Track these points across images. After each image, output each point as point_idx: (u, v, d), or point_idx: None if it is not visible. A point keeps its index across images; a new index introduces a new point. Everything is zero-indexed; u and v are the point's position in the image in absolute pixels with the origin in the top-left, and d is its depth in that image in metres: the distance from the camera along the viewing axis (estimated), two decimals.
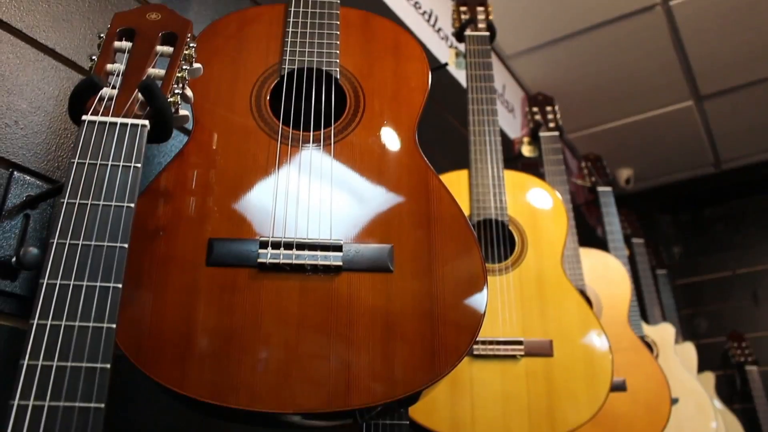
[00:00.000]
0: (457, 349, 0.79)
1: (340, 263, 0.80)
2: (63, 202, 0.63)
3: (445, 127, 2.01)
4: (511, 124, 2.56)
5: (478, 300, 0.83)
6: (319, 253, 0.81)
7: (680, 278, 3.62)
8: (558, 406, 1.25)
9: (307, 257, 0.80)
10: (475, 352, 1.27)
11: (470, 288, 0.83)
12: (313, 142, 0.90)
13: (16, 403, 0.54)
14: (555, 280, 1.37)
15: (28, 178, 0.89)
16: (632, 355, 1.80)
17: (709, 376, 3.10)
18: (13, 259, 0.84)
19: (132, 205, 0.64)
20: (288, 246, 0.81)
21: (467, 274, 0.83)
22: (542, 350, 1.29)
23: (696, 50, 2.66)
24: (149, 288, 0.78)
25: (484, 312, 0.82)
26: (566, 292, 1.36)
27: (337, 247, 0.81)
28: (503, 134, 2.25)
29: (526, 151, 2.09)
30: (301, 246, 0.81)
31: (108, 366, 0.58)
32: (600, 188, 2.43)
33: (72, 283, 0.60)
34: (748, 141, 3.34)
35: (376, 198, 0.87)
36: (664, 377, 1.78)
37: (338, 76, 0.98)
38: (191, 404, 0.78)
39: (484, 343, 1.28)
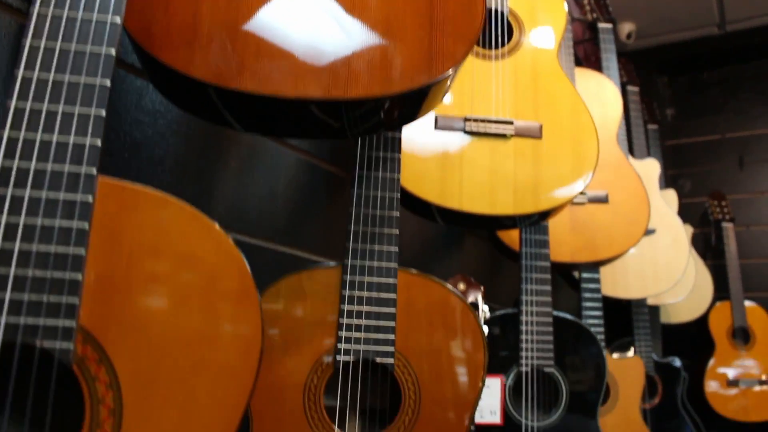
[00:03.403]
0: (453, 56, 0.82)
1: None
2: None
3: None
4: None
5: (475, 17, 0.85)
6: None
7: (669, 139, 3.66)
8: (542, 184, 1.31)
9: None
10: (467, 129, 1.31)
11: (468, 5, 0.85)
12: None
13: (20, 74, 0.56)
14: (549, 69, 1.40)
15: None
16: (617, 171, 1.86)
17: (687, 228, 3.21)
18: None
19: None
20: None
21: None
22: (531, 132, 1.34)
23: None
24: None
25: (481, 28, 0.84)
26: (559, 82, 1.39)
27: None
28: None
29: None
30: None
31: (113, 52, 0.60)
32: (601, 24, 2.40)
33: None
34: (757, 1, 3.28)
35: None
36: (646, 193, 1.85)
37: None
38: (196, 98, 0.82)
39: (476, 120, 1.32)
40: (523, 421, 1.45)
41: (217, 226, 0.58)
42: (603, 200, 1.80)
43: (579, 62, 2.89)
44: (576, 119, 1.37)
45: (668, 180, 3.55)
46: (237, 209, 1.15)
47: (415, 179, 1.29)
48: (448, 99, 1.34)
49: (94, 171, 0.54)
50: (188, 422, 0.53)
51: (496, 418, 1.35)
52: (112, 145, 0.95)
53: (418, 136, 1.30)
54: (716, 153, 3.59)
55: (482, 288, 1.34)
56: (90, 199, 0.53)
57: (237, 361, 0.55)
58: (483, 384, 0.95)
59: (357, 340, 0.92)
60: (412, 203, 1.31)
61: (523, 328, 1.47)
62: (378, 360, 0.92)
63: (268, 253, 1.20)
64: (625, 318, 2.57)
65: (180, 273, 0.55)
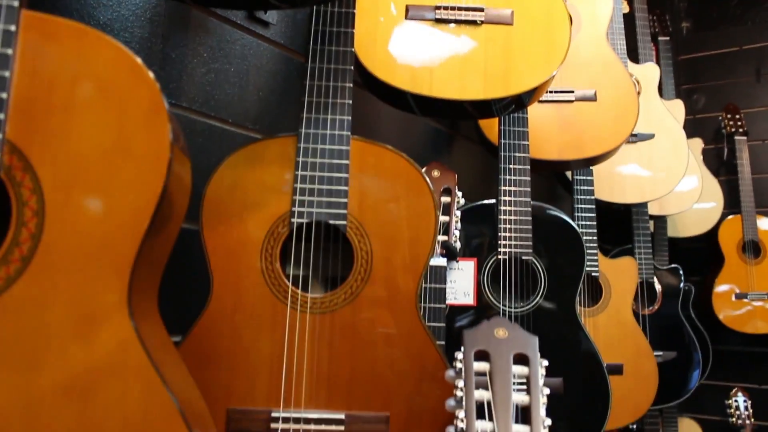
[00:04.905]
0: None
1: None
2: None
3: None
4: None
5: None
6: None
7: (684, 53, 3.58)
8: (513, 69, 1.33)
9: None
10: (437, 16, 1.33)
11: None
12: None
13: None
14: None
15: None
16: (606, 70, 1.85)
17: (697, 142, 3.18)
18: None
19: None
20: None
21: None
22: (502, 19, 1.34)
23: None
24: None
25: None
26: None
27: None
28: None
29: None
30: None
31: None
32: None
33: None
34: None
35: None
36: (635, 92, 1.84)
37: None
38: None
39: (446, 8, 1.33)
40: (501, 306, 1.51)
41: (130, 53, 0.62)
42: (591, 98, 1.80)
43: None
44: (548, 5, 1.37)
45: (681, 95, 3.49)
46: (207, 95, 1.20)
47: (387, 68, 1.32)
48: None
49: (15, 3, 0.59)
50: (102, 223, 0.59)
51: (469, 300, 1.41)
52: None
53: (390, 26, 1.33)
54: (732, 66, 3.49)
55: (456, 175, 1.38)
56: (13, 28, 0.58)
57: (147, 169, 0.60)
58: (434, 245, 1.00)
59: (311, 204, 0.97)
60: (386, 93, 1.34)
61: (501, 217, 1.51)
62: (331, 222, 0.97)
63: (239, 138, 1.25)
64: (629, 228, 2.59)
65: (95, 94, 0.60)
